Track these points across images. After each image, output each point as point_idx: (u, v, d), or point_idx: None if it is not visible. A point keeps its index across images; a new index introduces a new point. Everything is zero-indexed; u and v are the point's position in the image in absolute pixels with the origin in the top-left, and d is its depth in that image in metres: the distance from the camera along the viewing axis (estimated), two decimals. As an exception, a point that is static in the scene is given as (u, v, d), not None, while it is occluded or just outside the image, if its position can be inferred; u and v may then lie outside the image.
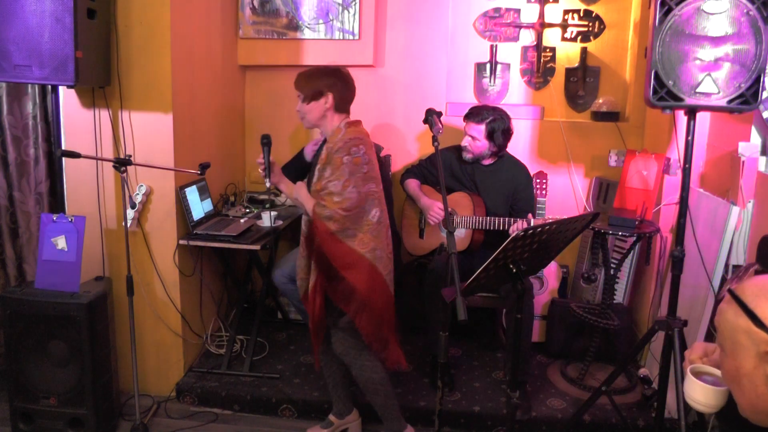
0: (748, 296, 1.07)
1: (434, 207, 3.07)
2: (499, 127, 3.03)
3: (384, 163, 3.36)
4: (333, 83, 2.38)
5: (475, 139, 3.05)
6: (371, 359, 2.48)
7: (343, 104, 2.42)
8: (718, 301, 2.62)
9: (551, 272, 3.42)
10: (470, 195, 3.12)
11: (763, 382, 1.05)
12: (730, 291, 1.10)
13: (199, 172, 2.74)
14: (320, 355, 2.59)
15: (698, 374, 1.30)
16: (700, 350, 1.36)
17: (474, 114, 3.05)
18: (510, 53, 3.64)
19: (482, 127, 3.02)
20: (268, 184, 2.40)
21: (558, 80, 3.64)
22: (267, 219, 3.11)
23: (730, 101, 2.15)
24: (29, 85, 2.89)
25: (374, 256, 2.35)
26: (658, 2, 2.15)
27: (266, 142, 2.41)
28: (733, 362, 1.09)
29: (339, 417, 2.74)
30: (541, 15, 3.56)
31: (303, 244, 2.46)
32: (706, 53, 2.14)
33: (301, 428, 2.83)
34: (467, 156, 3.12)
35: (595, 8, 3.53)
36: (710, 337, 2.67)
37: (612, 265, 3.06)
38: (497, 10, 3.59)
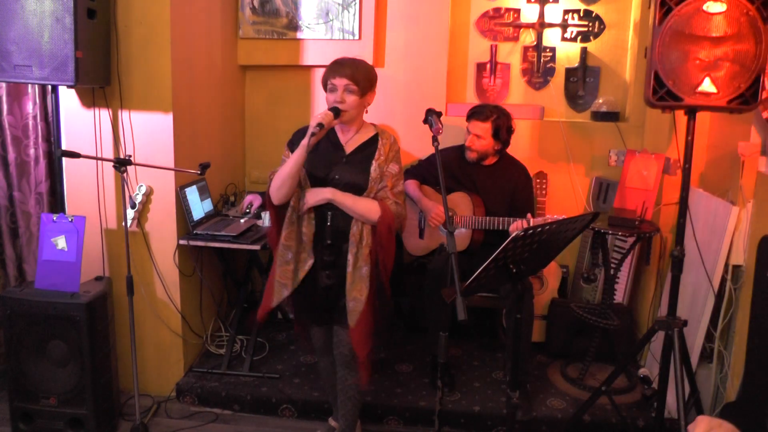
0: None
1: (435, 210, 3.06)
2: (504, 124, 3.03)
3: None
4: (376, 78, 2.40)
5: (480, 138, 3.03)
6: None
7: None
8: (719, 302, 2.62)
9: (551, 272, 3.42)
10: (470, 195, 3.11)
11: None
12: None
13: (199, 172, 2.74)
14: (323, 358, 2.55)
15: None
16: (704, 426, 1.30)
17: (478, 112, 3.04)
18: (510, 53, 3.64)
19: (488, 125, 3.01)
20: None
21: (558, 80, 3.65)
22: (267, 219, 3.11)
23: (729, 101, 2.15)
24: (29, 85, 2.89)
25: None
26: (658, 2, 2.15)
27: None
28: None
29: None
30: (541, 15, 3.56)
31: (365, 257, 2.27)
32: (706, 53, 2.14)
33: (301, 428, 2.84)
34: (471, 156, 3.09)
35: (595, 8, 3.53)
36: (710, 337, 2.67)
37: (612, 265, 3.06)
38: (497, 10, 3.59)
